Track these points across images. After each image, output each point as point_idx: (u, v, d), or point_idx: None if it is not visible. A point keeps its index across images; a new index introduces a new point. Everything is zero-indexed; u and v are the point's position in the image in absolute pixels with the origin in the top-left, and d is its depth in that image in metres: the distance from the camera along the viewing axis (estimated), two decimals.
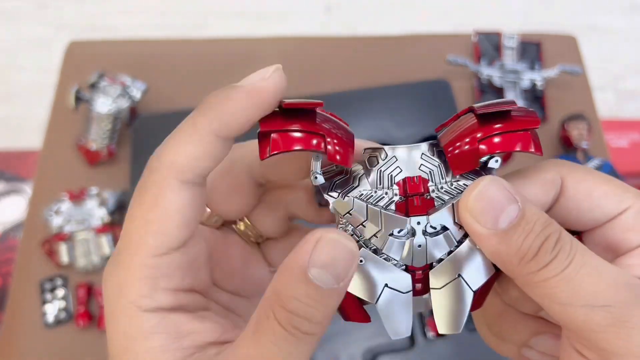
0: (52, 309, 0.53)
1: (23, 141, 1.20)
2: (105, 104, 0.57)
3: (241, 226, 0.20)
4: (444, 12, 1.41)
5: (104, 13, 1.40)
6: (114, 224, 0.55)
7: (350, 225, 0.17)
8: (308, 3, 1.42)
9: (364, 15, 1.41)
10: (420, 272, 0.17)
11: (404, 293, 0.17)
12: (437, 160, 0.18)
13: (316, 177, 0.17)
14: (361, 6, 1.42)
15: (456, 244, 0.17)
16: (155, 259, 0.16)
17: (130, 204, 0.17)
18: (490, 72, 0.64)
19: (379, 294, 0.17)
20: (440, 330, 0.17)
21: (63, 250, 0.53)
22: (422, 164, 0.18)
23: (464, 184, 0.18)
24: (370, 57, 0.68)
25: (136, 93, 0.58)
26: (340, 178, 0.18)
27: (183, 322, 0.16)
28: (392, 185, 0.18)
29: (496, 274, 0.17)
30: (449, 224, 0.17)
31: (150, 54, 0.68)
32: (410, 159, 0.18)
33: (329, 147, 0.16)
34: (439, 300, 0.17)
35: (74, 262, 0.54)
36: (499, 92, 0.64)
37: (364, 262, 0.17)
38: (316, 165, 0.17)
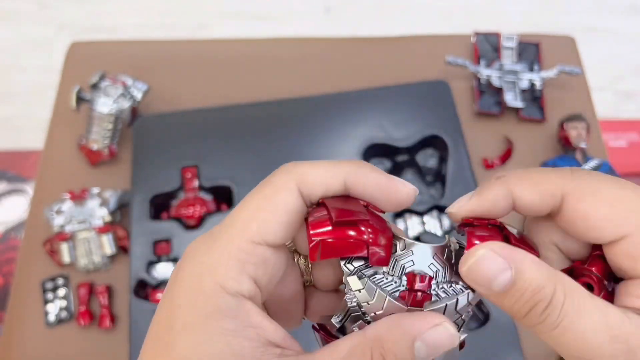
0: (54, 308, 0.53)
1: (25, 141, 1.20)
2: (106, 104, 0.57)
3: (301, 263, 0.21)
4: (443, 14, 1.41)
5: (105, 14, 1.40)
6: (115, 223, 0.56)
7: (356, 299, 0.19)
8: (308, 4, 1.43)
9: (364, 17, 1.41)
10: None
11: None
12: (445, 263, 0.20)
13: None
14: (361, 7, 1.43)
15: None
16: (252, 246, 0.17)
17: (248, 194, 0.18)
18: (489, 73, 0.64)
19: None
20: None
21: (64, 249, 0.54)
22: (432, 263, 0.20)
23: (460, 288, 0.20)
24: (370, 58, 0.68)
25: (137, 93, 0.58)
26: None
27: (255, 314, 0.17)
28: (402, 275, 0.20)
29: None
30: None
31: (151, 54, 0.69)
32: (424, 256, 0.20)
33: (371, 251, 0.19)
34: None
35: (75, 261, 0.54)
36: (498, 92, 0.64)
37: None
38: None
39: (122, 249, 0.55)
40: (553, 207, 0.18)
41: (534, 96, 0.64)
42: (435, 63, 0.65)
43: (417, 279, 0.19)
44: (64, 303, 0.53)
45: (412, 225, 0.52)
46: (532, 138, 0.62)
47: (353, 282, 0.19)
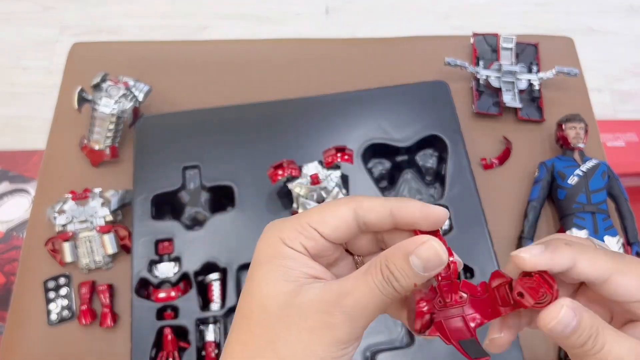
0: (56, 307, 0.53)
1: (27, 141, 1.21)
2: (108, 104, 0.57)
3: (356, 259, 0.30)
4: (442, 15, 1.42)
5: (107, 15, 1.41)
6: (117, 223, 0.56)
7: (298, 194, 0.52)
8: (308, 6, 1.43)
9: (363, 18, 1.42)
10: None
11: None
12: (321, 166, 0.52)
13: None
14: (360, 9, 1.43)
15: (331, 191, 0.51)
16: (308, 226, 0.25)
17: (325, 203, 0.27)
18: (487, 74, 0.64)
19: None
20: None
21: (66, 249, 0.54)
22: (318, 167, 0.52)
23: (330, 172, 0.52)
24: (370, 59, 0.69)
25: (139, 94, 0.59)
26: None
27: (304, 259, 0.26)
28: (309, 177, 0.51)
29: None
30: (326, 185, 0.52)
31: (153, 55, 0.69)
32: (313, 166, 0.52)
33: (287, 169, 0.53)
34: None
35: (77, 261, 0.54)
36: (496, 93, 0.64)
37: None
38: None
39: (124, 248, 0.55)
40: (599, 280, 0.25)
41: (532, 97, 0.64)
42: (434, 64, 0.65)
43: (314, 175, 0.51)
44: (65, 302, 0.54)
45: None
46: (530, 138, 0.63)
47: (297, 188, 0.52)
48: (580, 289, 0.28)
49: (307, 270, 0.25)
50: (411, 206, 0.25)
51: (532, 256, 0.24)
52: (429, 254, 0.23)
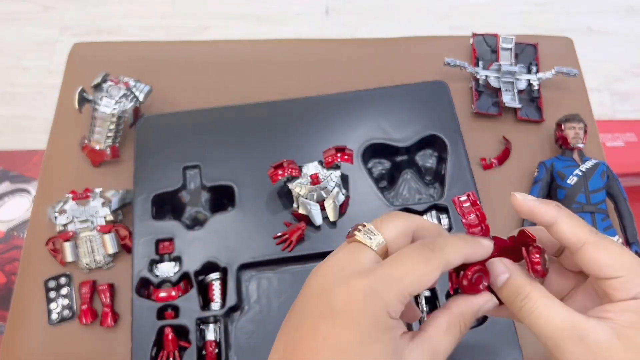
0: (56, 307, 0.54)
1: (28, 141, 1.21)
2: (109, 104, 0.57)
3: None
4: (442, 15, 1.42)
5: (107, 15, 1.41)
6: (117, 223, 0.56)
7: (300, 196, 0.52)
8: (308, 6, 1.43)
9: (363, 18, 1.42)
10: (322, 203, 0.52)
11: (317, 208, 0.51)
12: (321, 166, 0.53)
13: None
14: (360, 9, 1.43)
15: (331, 191, 0.52)
16: (408, 296, 0.26)
17: (415, 257, 0.27)
18: (487, 74, 0.64)
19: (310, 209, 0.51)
20: (331, 219, 0.52)
21: (67, 248, 0.54)
22: (318, 167, 0.53)
23: (330, 172, 0.52)
24: (370, 59, 0.69)
25: (140, 94, 0.59)
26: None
27: (402, 324, 0.27)
28: (309, 177, 0.52)
29: (348, 197, 0.53)
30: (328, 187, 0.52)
31: (153, 55, 0.69)
32: (313, 166, 0.53)
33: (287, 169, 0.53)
34: (328, 209, 0.51)
35: (77, 260, 0.54)
36: (496, 93, 0.64)
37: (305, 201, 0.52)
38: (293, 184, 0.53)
39: (125, 248, 0.55)
40: (575, 245, 0.28)
41: (531, 97, 0.64)
42: (433, 64, 0.65)
43: (313, 175, 0.52)
44: (66, 302, 0.54)
45: None
46: (529, 138, 0.63)
47: (297, 188, 0.52)
48: (563, 255, 0.31)
49: (402, 334, 0.27)
50: (479, 251, 0.29)
51: (523, 198, 0.29)
52: (490, 307, 0.29)
